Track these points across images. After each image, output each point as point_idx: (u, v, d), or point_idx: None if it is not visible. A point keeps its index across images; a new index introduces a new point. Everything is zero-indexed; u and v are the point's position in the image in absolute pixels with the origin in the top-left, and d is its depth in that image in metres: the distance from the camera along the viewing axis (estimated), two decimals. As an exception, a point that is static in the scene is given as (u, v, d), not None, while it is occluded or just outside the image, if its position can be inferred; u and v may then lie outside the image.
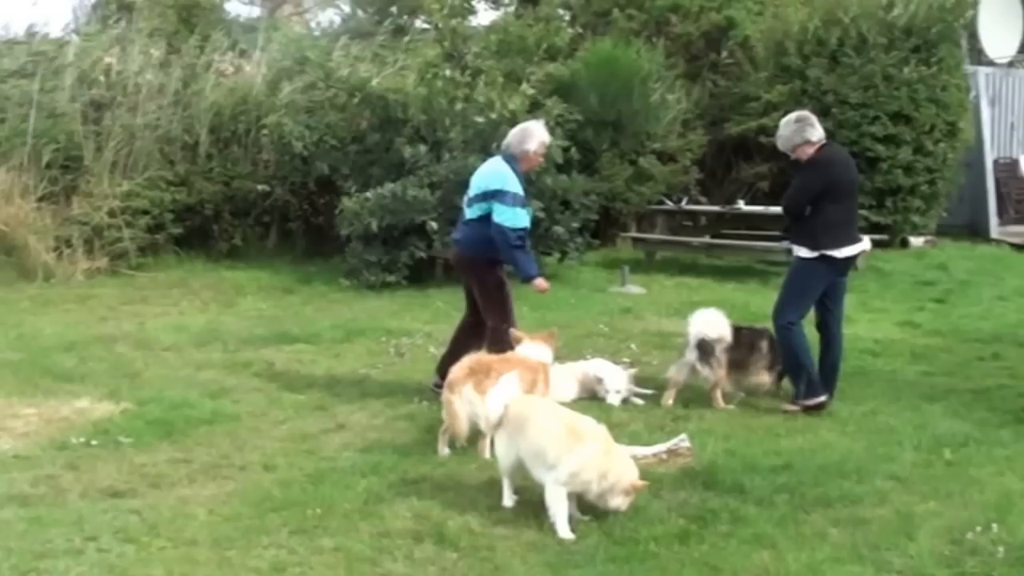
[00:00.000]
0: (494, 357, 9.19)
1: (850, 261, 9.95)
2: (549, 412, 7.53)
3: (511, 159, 10.25)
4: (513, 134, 10.49)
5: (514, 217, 10.00)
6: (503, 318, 10.10)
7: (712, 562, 6.62)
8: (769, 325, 10.22)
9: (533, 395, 8.49)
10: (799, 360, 9.92)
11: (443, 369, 9.71)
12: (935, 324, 13.89)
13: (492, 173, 10.21)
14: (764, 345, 10.31)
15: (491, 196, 10.03)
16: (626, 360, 10.97)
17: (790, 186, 10.06)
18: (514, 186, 10.06)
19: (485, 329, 10.25)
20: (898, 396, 10.30)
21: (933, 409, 9.90)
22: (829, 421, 9.57)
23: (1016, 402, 10.35)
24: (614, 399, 10.21)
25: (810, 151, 9.78)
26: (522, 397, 7.88)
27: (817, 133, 9.81)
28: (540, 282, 10.33)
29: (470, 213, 10.28)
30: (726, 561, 6.63)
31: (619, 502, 7.11)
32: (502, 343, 9.77)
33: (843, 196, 9.84)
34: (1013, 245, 20.88)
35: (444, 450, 8.63)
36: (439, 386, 9.48)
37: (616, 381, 10.30)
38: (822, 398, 9.80)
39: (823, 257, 9.75)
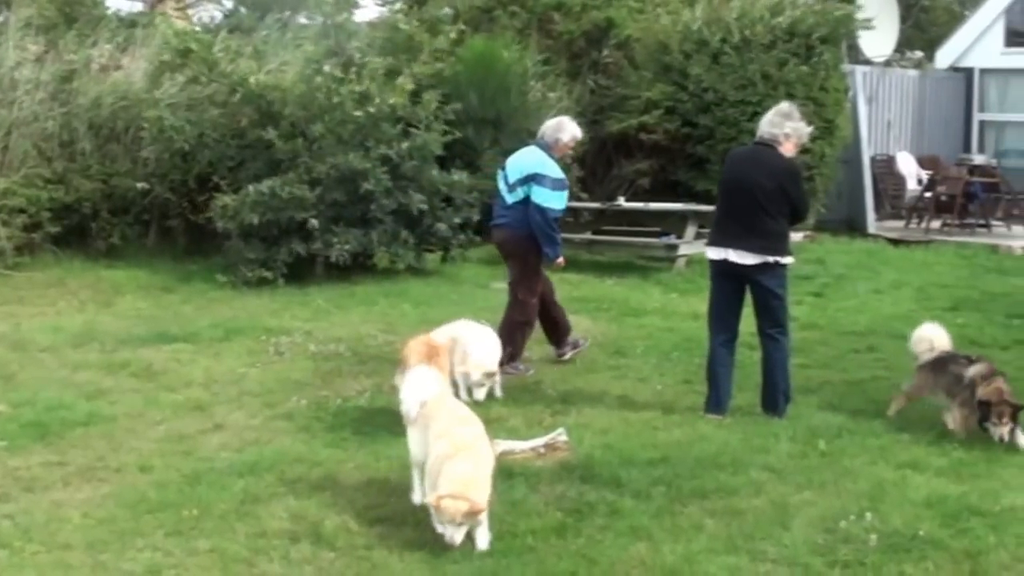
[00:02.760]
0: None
1: (734, 267, 9.51)
2: (451, 410, 7.51)
3: (545, 147, 11.24)
4: (548, 125, 11.52)
5: (551, 199, 10.96)
6: (532, 292, 11.25)
7: (589, 555, 6.68)
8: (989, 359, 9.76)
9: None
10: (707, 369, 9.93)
11: (555, 340, 11.78)
12: (812, 317, 14.06)
13: (531, 159, 11.16)
14: (965, 377, 9.34)
15: (531, 179, 10.98)
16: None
17: None
18: (553, 171, 11.05)
19: (548, 293, 11.62)
20: (774, 388, 10.41)
21: (808, 401, 10.03)
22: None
23: (890, 393, 10.43)
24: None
25: None
26: (439, 393, 7.77)
27: (759, 130, 9.79)
28: (560, 261, 11.44)
29: (512, 197, 11.16)
30: (603, 554, 6.70)
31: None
32: (527, 314, 11.24)
33: (722, 194, 9.81)
34: (889, 240, 21.22)
35: None
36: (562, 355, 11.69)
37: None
38: (711, 415, 9.66)
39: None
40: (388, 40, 18.57)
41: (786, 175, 9.50)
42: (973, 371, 9.29)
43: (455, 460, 6.78)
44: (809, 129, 9.92)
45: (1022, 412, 9.00)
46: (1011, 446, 8.87)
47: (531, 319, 11.39)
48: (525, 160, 11.22)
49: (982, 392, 9.05)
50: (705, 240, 10.11)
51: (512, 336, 11.11)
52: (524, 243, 11.15)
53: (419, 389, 7.58)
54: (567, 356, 11.61)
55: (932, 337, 9.82)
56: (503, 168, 11.49)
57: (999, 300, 15.45)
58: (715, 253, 9.65)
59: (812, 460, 8.47)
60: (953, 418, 9.33)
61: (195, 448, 8.78)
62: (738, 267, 9.50)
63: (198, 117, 17.26)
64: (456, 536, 6.57)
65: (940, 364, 9.63)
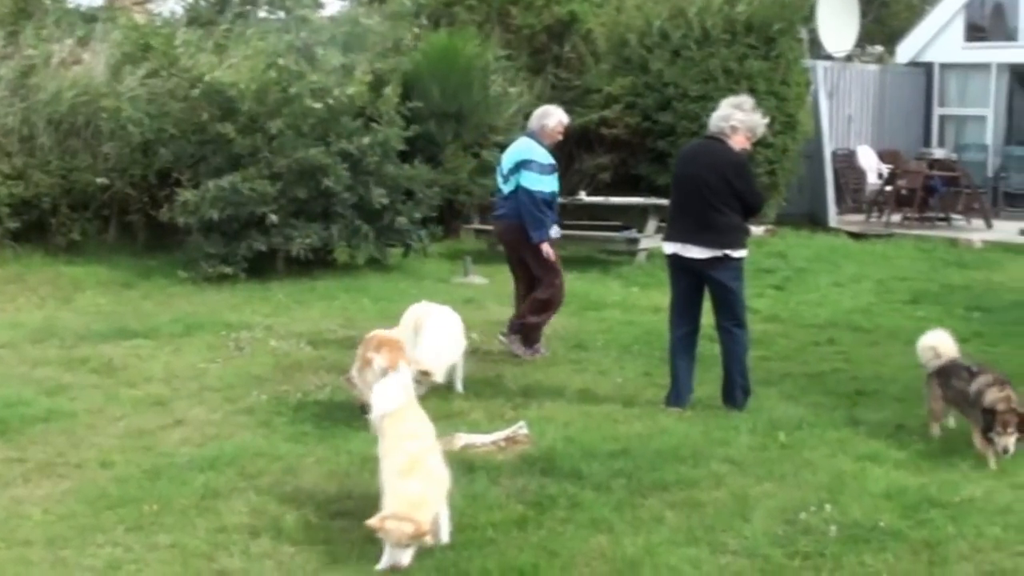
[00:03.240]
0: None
1: (685, 261, 9.55)
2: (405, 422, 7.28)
3: (532, 134, 11.65)
4: (535, 114, 11.96)
5: (539, 182, 11.38)
6: (556, 274, 11.61)
7: (550, 547, 6.70)
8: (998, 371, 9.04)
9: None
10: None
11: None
12: (773, 310, 14.13)
13: (520, 147, 11.62)
14: (975, 387, 8.69)
15: (521, 166, 11.41)
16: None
17: None
18: (540, 156, 11.46)
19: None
20: (735, 381, 10.44)
21: (769, 393, 10.07)
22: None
23: (849, 385, 10.61)
24: None
25: None
26: (403, 407, 7.48)
27: (710, 125, 9.78)
28: (547, 247, 11.46)
29: (508, 187, 11.60)
30: (564, 546, 6.72)
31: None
32: (552, 295, 11.58)
33: (673, 190, 9.87)
34: (850, 234, 21.31)
35: None
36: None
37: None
38: (672, 408, 9.65)
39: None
40: (349, 34, 18.52)
41: (731, 168, 9.45)
42: (977, 384, 8.70)
43: (402, 479, 6.61)
44: (763, 121, 9.88)
45: None
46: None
47: (556, 299, 11.69)
48: (515, 149, 11.68)
49: (988, 399, 8.48)
50: (666, 235, 10.07)
51: (535, 314, 11.59)
52: (522, 231, 11.47)
53: (384, 400, 7.50)
54: (517, 352, 11.58)
55: (937, 345, 9.24)
56: (499, 161, 11.95)
57: (958, 293, 15.57)
58: (668, 248, 9.72)
59: (772, 452, 8.50)
60: (977, 439, 8.58)
61: (155, 444, 8.74)
62: (690, 262, 9.52)
63: (158, 111, 17.16)
64: (403, 558, 6.39)
65: (944, 375, 9.06)
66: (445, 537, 6.73)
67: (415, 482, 6.58)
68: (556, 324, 12.39)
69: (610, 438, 8.73)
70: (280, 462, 8.21)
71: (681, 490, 7.65)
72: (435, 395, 9.73)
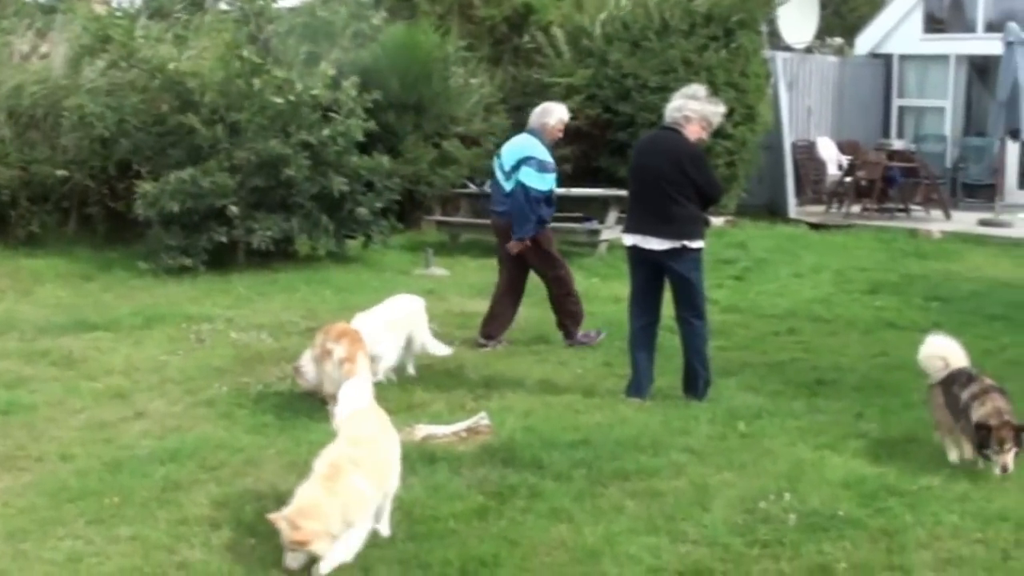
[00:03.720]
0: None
1: (644, 253, 9.57)
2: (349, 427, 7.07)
3: (534, 132, 11.73)
4: (535, 112, 11.97)
5: (538, 180, 11.49)
6: (558, 265, 11.94)
7: (511, 537, 6.72)
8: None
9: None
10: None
11: (486, 329, 11.80)
12: (733, 300, 14.20)
13: (521, 144, 11.70)
14: (964, 397, 8.11)
15: (522, 163, 11.49)
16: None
17: None
18: (541, 154, 11.56)
19: (519, 290, 12.04)
20: (695, 371, 10.47)
21: (728, 383, 10.11)
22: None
23: (809, 375, 10.67)
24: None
25: None
26: (363, 409, 7.33)
27: (665, 116, 9.82)
28: (515, 244, 11.63)
29: (509, 184, 11.61)
30: (524, 536, 6.74)
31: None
32: (566, 286, 11.86)
33: (631, 182, 9.90)
34: (810, 224, 21.42)
35: None
36: (482, 344, 11.68)
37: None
38: (632, 398, 9.67)
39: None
40: (307, 25, 18.48)
41: (687, 158, 9.45)
42: (968, 392, 8.08)
43: (314, 483, 6.38)
44: (719, 110, 9.87)
45: None
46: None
47: (571, 289, 11.92)
48: (516, 146, 11.74)
49: (979, 413, 7.85)
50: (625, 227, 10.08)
51: (566, 309, 11.80)
52: None
53: (347, 401, 7.45)
54: (488, 348, 11.66)
55: (946, 354, 8.50)
56: (498, 156, 11.95)
57: (917, 283, 15.66)
58: (628, 240, 9.74)
59: (732, 441, 8.55)
60: (957, 449, 8.19)
61: (116, 436, 8.71)
62: (649, 253, 9.53)
63: (118, 103, 17.05)
64: (291, 561, 6.19)
65: (948, 384, 8.35)
66: (348, 556, 6.29)
67: (323, 492, 6.30)
68: (517, 315, 12.40)
69: (570, 428, 8.76)
70: (241, 454, 8.20)
71: (641, 479, 7.68)
72: (396, 386, 9.82)
